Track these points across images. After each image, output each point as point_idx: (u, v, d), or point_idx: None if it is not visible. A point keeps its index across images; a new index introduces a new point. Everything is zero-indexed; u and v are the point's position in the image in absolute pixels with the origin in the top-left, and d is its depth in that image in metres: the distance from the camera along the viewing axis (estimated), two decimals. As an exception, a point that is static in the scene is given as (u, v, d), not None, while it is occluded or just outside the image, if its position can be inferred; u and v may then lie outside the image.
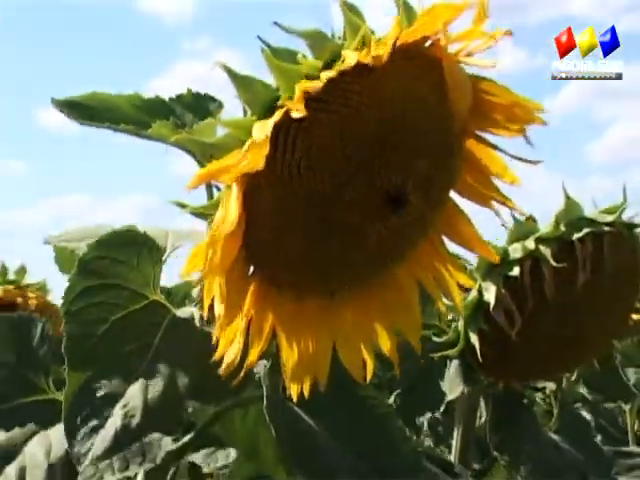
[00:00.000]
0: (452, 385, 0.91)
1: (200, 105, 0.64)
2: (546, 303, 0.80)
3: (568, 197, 0.82)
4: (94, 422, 0.57)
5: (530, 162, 0.57)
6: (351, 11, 0.53)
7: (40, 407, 0.67)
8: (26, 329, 0.74)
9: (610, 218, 0.81)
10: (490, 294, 0.80)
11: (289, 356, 0.57)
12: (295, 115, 0.48)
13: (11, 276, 1.26)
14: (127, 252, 0.63)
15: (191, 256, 0.53)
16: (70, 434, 0.57)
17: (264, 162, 0.49)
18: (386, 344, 0.60)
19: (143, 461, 0.60)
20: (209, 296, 0.54)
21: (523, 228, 0.83)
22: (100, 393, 0.59)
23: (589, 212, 0.83)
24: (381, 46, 0.50)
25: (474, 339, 0.84)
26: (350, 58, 0.49)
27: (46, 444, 0.63)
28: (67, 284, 0.63)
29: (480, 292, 0.83)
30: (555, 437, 0.99)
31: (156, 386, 0.59)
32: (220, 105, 0.65)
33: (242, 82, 0.51)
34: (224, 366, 0.54)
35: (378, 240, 0.56)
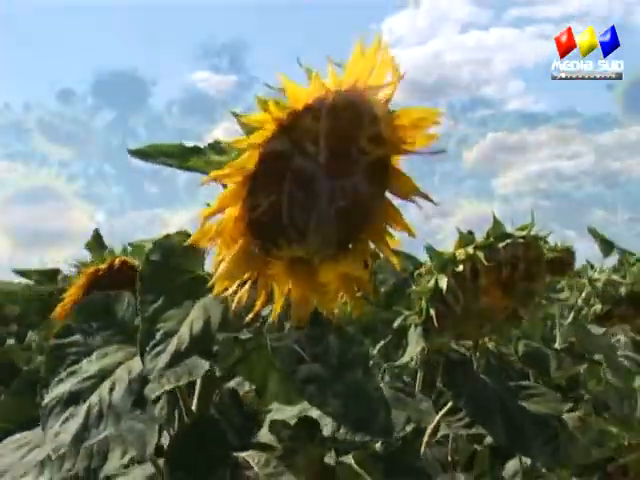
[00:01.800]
0: (417, 342, 1.13)
1: (220, 149, 0.73)
2: (480, 290, 1.05)
3: (495, 219, 1.06)
4: (159, 348, 0.67)
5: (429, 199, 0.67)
6: None
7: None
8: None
9: (523, 233, 1.05)
10: (443, 283, 1.04)
11: (279, 303, 0.65)
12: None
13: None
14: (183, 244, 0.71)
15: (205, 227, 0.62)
16: (143, 356, 0.67)
17: (254, 165, 0.59)
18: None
19: (190, 376, 0.70)
20: (217, 259, 0.63)
21: (465, 239, 1.05)
22: (163, 331, 0.69)
23: (509, 229, 1.05)
24: None
25: (432, 312, 1.06)
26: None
27: (128, 369, 0.74)
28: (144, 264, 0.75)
29: (437, 282, 1.05)
30: (484, 377, 1.16)
31: (197, 324, 0.68)
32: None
33: (239, 118, 0.62)
34: (233, 306, 0.63)
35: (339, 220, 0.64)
